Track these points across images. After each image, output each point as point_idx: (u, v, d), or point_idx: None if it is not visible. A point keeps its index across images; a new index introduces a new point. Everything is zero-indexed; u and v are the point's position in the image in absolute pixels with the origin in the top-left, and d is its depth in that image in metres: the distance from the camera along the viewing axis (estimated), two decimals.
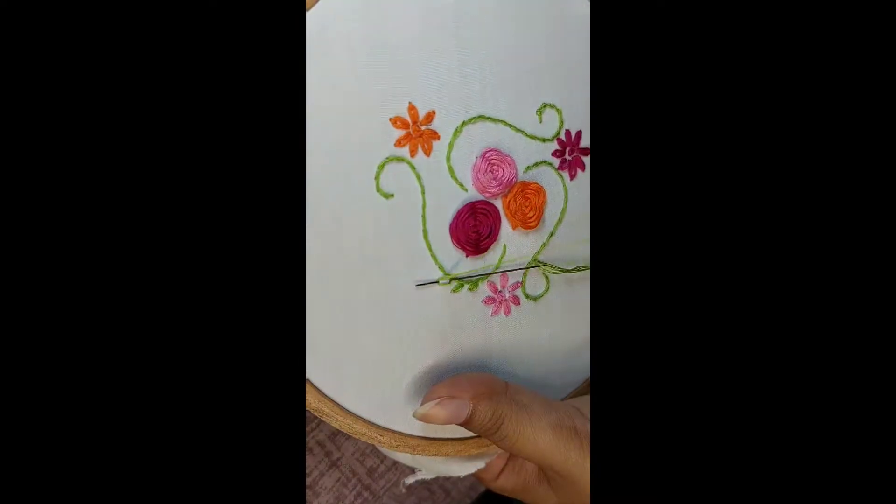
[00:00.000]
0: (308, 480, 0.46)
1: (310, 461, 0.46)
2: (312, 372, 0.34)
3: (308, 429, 0.46)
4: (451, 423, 0.33)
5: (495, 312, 0.36)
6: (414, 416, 0.33)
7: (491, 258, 0.35)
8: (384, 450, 0.38)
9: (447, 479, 0.48)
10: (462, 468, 0.38)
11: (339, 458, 0.47)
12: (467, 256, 0.34)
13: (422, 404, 0.33)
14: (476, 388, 0.33)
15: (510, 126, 0.34)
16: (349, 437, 0.46)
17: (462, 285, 0.35)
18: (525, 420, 0.33)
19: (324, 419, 0.34)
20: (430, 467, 0.38)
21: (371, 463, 0.47)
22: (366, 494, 0.47)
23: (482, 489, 0.49)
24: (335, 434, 0.47)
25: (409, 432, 0.36)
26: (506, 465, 0.38)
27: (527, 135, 0.34)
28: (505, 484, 0.38)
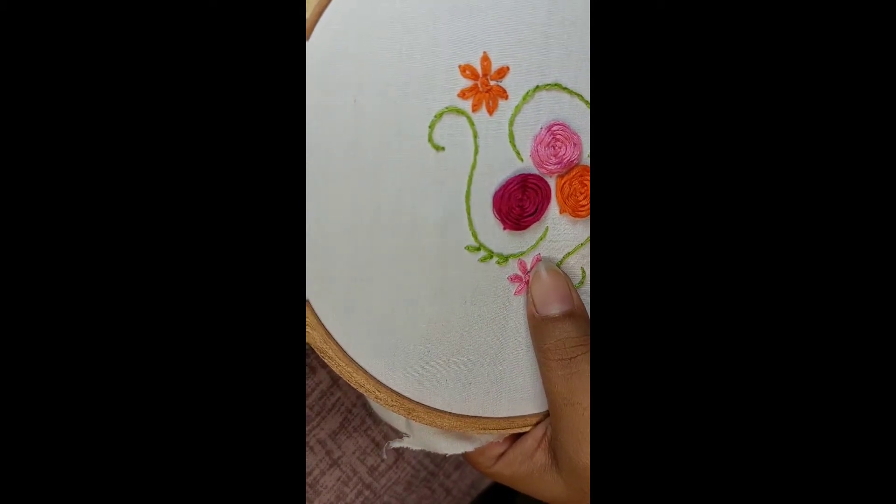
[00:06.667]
0: (309, 479, 0.45)
1: (311, 460, 0.45)
2: (323, 312, 0.32)
3: (309, 427, 0.45)
4: (549, 297, 0.33)
5: (519, 292, 0.34)
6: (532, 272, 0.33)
7: (528, 237, 0.33)
8: (379, 412, 0.37)
9: (448, 477, 0.47)
10: (450, 446, 0.36)
11: (339, 457, 0.46)
12: (504, 229, 0.33)
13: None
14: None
15: (587, 103, 0.31)
16: (350, 435, 0.46)
17: (491, 256, 0.33)
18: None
19: (326, 361, 0.33)
20: (420, 437, 0.36)
21: (372, 461, 0.46)
22: (367, 493, 0.46)
23: (483, 487, 0.47)
24: (336, 432, 0.46)
25: (408, 395, 0.34)
26: (507, 450, 0.36)
27: None
28: (504, 470, 0.35)
